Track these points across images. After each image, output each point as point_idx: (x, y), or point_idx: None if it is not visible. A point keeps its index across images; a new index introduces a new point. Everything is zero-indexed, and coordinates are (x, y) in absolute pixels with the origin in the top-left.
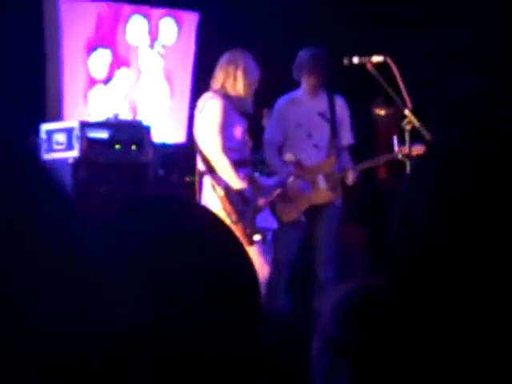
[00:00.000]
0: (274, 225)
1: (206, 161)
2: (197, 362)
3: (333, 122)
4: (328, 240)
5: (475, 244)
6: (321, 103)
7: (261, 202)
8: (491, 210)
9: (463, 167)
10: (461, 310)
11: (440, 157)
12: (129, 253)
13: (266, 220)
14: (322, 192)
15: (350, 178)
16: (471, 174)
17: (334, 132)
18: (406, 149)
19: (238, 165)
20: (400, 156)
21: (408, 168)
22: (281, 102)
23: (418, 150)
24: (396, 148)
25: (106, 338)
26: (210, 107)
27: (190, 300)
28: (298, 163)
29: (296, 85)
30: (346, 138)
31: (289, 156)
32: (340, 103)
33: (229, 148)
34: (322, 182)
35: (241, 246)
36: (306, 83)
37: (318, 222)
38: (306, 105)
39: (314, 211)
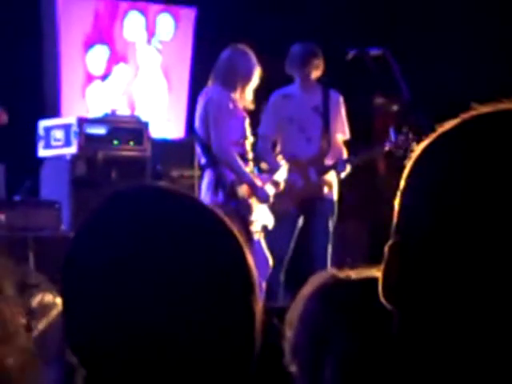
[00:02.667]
0: (272, 220)
1: (208, 154)
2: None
3: (326, 116)
4: (321, 234)
5: (470, 239)
6: (315, 97)
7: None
8: (487, 207)
9: (459, 164)
10: (455, 301)
11: (437, 150)
12: (115, 248)
13: (265, 215)
14: (314, 185)
15: (340, 171)
16: (467, 171)
17: (327, 126)
18: (403, 141)
19: (240, 159)
20: (392, 148)
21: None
22: (274, 96)
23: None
24: (393, 140)
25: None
26: (214, 101)
27: (180, 296)
28: (291, 158)
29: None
30: (341, 132)
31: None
32: (334, 98)
33: (233, 141)
34: (313, 176)
35: (236, 240)
36: (299, 77)
37: (310, 216)
38: (299, 99)
39: (306, 205)
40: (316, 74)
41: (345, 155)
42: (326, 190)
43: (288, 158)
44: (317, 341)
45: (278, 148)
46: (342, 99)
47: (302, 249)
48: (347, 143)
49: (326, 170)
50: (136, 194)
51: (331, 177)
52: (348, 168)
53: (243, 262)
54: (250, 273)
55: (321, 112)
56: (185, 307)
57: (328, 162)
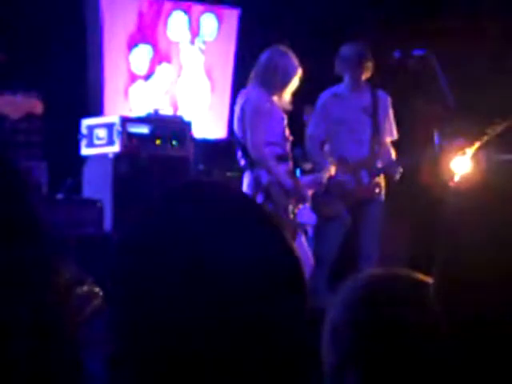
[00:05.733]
0: (313, 220)
1: (247, 156)
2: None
3: (375, 118)
4: (371, 236)
5: None
6: (364, 98)
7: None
8: None
9: None
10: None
11: None
12: (172, 239)
13: (306, 215)
14: (365, 188)
15: (393, 173)
16: None
17: (377, 127)
18: (446, 144)
19: (279, 159)
20: (440, 153)
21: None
22: (323, 96)
23: (459, 144)
24: (437, 143)
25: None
26: (251, 102)
27: (232, 289)
28: (342, 159)
29: (338, 80)
30: (389, 133)
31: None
32: (383, 99)
33: (270, 142)
34: (365, 178)
35: (284, 235)
36: (349, 78)
37: (361, 218)
38: (348, 100)
39: (357, 207)
40: (366, 75)
41: (393, 156)
42: (377, 191)
43: (338, 160)
44: (341, 350)
45: (326, 148)
46: (390, 100)
47: (351, 251)
48: (393, 143)
49: (378, 172)
50: (192, 188)
51: (380, 178)
52: (400, 170)
53: (293, 257)
54: (300, 268)
55: (370, 113)
56: (239, 300)
57: (378, 164)
